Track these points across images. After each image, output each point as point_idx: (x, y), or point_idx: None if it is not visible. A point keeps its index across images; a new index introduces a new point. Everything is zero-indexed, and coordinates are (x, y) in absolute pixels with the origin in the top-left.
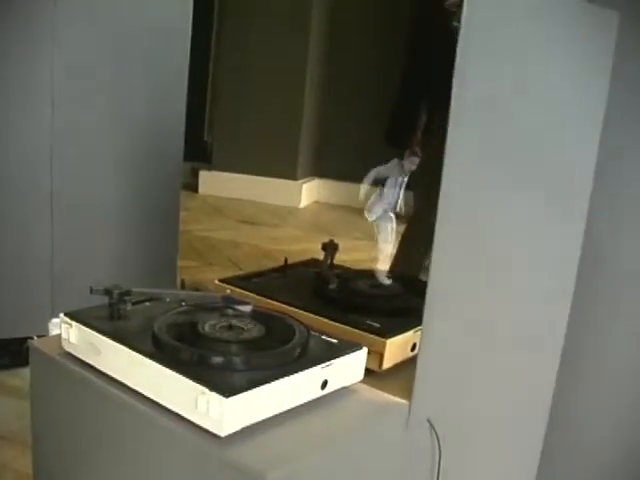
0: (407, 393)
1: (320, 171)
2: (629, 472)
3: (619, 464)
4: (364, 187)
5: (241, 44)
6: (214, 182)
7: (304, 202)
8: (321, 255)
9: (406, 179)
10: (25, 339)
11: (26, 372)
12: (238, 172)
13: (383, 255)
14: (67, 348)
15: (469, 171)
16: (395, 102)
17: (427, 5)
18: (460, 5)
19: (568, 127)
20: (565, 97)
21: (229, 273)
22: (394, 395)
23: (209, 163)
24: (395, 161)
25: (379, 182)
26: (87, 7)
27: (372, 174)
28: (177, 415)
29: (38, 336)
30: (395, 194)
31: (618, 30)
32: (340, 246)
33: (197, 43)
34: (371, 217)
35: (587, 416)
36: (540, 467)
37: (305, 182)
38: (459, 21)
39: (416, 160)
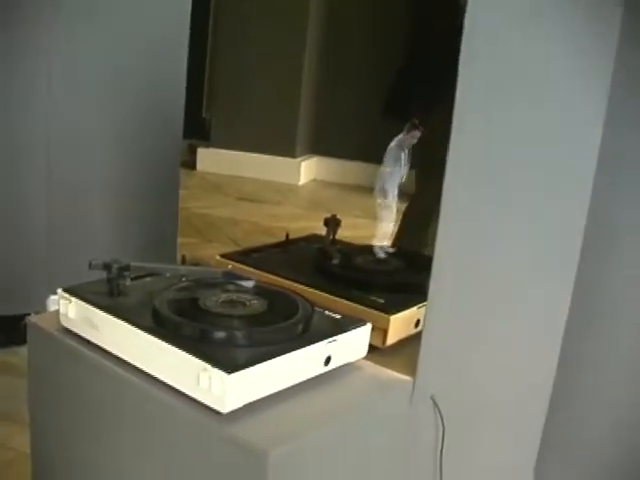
0: (411, 370)
1: (318, 149)
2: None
3: (618, 462)
4: (385, 168)
5: (240, 21)
6: (212, 159)
7: (303, 180)
8: (321, 232)
9: (406, 152)
10: (22, 316)
11: (23, 350)
12: (236, 149)
13: (383, 232)
14: (65, 324)
15: (474, 148)
16: (395, 73)
17: None
18: None
19: (569, 123)
20: (566, 90)
21: (228, 250)
22: (398, 372)
23: (207, 140)
24: (398, 139)
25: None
26: None
27: (392, 154)
28: (178, 391)
29: (36, 313)
30: (398, 171)
31: (621, 25)
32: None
33: (196, 18)
34: (378, 198)
35: (586, 412)
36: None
37: (304, 160)
38: None
39: (417, 134)
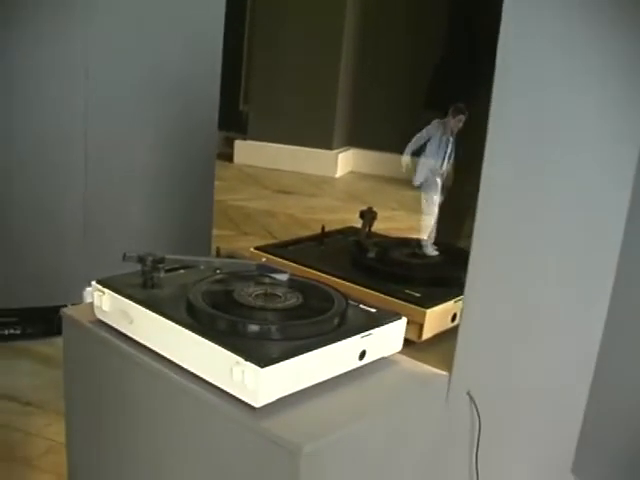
0: (447, 365)
1: (355, 141)
2: None
3: None
4: (405, 158)
5: (276, 14)
6: (249, 152)
7: (340, 172)
8: (358, 224)
9: (452, 139)
10: (59, 307)
11: (60, 341)
12: (273, 142)
13: (425, 225)
14: (100, 316)
15: (515, 140)
16: (434, 67)
17: None
18: None
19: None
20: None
21: (264, 242)
22: (433, 367)
23: (244, 133)
24: (436, 122)
25: (421, 149)
26: None
27: (413, 142)
28: (211, 385)
29: (73, 304)
30: (440, 157)
31: None
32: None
33: (233, 13)
34: (416, 182)
35: (624, 404)
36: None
37: (341, 152)
38: None
39: (462, 118)
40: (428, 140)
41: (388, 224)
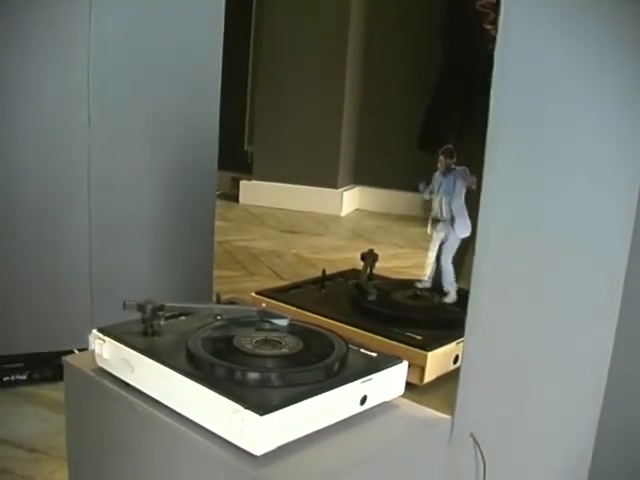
0: (449, 407)
1: (360, 179)
2: None
3: None
4: (427, 196)
5: (280, 54)
6: (255, 192)
7: (345, 210)
8: (361, 266)
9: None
10: (67, 352)
11: None
12: (278, 181)
13: (429, 265)
14: (101, 364)
15: (510, 176)
16: (429, 107)
17: (459, 10)
18: (492, 7)
19: (608, 130)
20: (605, 97)
21: (271, 283)
22: (436, 410)
23: (250, 173)
24: (460, 169)
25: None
26: (120, 21)
27: (432, 183)
28: (212, 433)
29: (79, 349)
30: (455, 204)
31: None
32: (381, 254)
33: (236, 54)
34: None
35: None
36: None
37: (346, 190)
38: (491, 23)
39: (475, 180)
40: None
41: (394, 262)
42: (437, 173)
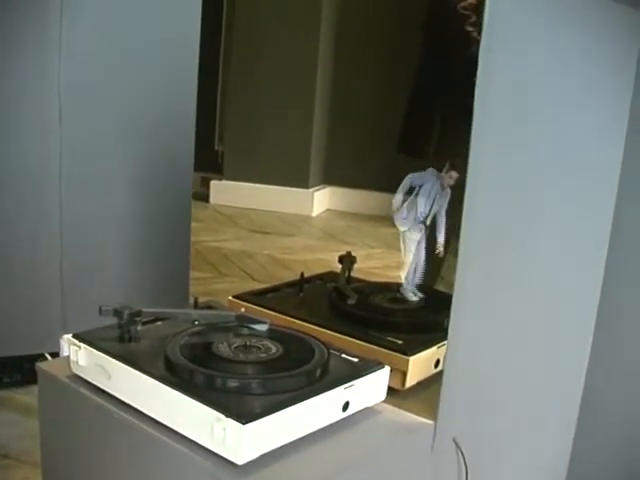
0: (432, 412)
1: (331, 179)
2: None
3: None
4: (398, 196)
5: (252, 54)
6: (225, 192)
7: (316, 210)
8: (337, 265)
9: (444, 192)
10: (38, 356)
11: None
12: (249, 181)
13: (406, 267)
14: (76, 371)
15: (493, 184)
16: (407, 110)
17: (440, 10)
18: (473, 9)
19: (591, 130)
20: (586, 97)
21: (243, 284)
22: (418, 415)
23: (220, 173)
24: (430, 170)
25: (411, 191)
26: (93, 21)
27: (407, 182)
28: (192, 442)
29: (50, 353)
30: (428, 204)
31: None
32: (354, 254)
33: (207, 54)
34: (402, 227)
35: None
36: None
37: (317, 190)
38: (473, 25)
39: (455, 175)
40: (421, 184)
41: (367, 263)
42: (416, 176)
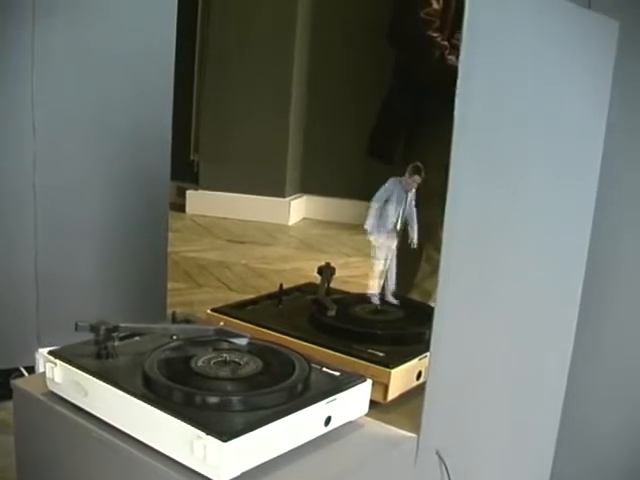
0: (414, 425)
1: (307, 188)
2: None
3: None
4: (374, 206)
5: (225, 63)
6: (201, 201)
7: (293, 219)
8: (314, 274)
9: (410, 197)
10: (12, 370)
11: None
12: (225, 191)
13: (377, 275)
14: (52, 388)
15: (474, 191)
16: (379, 114)
17: (402, 17)
18: (437, 15)
19: (571, 131)
20: (567, 102)
21: (219, 294)
22: (401, 428)
23: (196, 183)
24: (392, 179)
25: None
26: (66, 33)
27: (382, 194)
28: (172, 460)
29: (25, 367)
30: (396, 213)
31: (618, 41)
32: (330, 263)
33: (182, 63)
34: (371, 236)
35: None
36: None
37: (293, 199)
38: (437, 31)
39: (418, 179)
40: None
41: (343, 271)
42: (386, 186)
